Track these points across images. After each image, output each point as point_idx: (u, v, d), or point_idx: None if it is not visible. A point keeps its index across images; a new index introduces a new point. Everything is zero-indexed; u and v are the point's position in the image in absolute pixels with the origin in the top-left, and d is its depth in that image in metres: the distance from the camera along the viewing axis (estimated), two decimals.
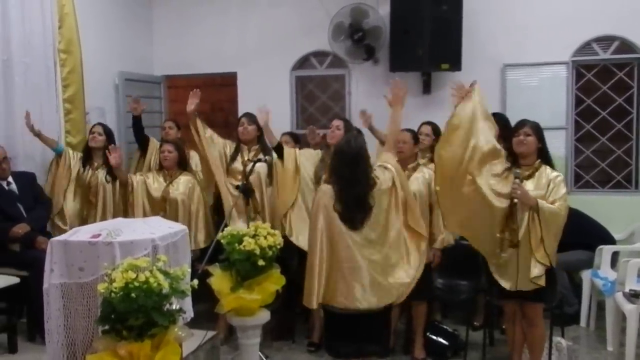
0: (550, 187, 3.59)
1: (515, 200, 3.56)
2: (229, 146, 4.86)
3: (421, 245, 3.57)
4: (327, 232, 3.44)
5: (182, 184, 4.80)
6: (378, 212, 3.42)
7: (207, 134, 4.75)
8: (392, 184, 3.50)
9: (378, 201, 3.42)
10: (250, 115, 4.90)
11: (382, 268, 3.43)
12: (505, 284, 3.65)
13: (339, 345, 3.51)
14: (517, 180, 3.57)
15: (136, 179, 4.81)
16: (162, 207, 4.73)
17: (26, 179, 4.79)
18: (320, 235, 3.45)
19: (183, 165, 4.93)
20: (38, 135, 4.94)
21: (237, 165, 4.78)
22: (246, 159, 4.77)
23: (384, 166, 3.56)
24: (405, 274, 3.48)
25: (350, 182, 3.41)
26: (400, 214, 3.50)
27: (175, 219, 4.44)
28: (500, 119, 5.02)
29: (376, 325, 3.47)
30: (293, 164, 4.73)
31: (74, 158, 5.13)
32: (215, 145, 4.79)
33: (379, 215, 3.42)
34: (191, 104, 4.68)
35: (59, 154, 5.11)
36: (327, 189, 3.50)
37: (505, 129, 4.96)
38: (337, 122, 4.74)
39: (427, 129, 4.84)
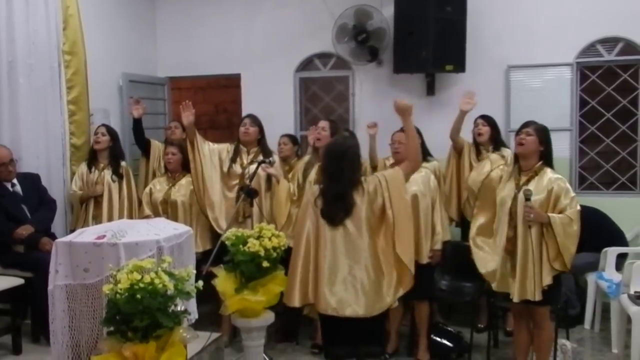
0: (555, 193, 3.54)
1: (530, 224, 3.53)
2: (227, 149, 4.77)
3: (401, 276, 3.30)
4: (314, 232, 3.37)
5: (183, 186, 4.88)
6: (360, 214, 3.30)
7: (205, 150, 4.60)
8: (381, 198, 3.32)
9: (361, 204, 3.30)
10: (253, 116, 4.87)
11: (365, 273, 3.27)
12: (514, 297, 3.61)
13: (337, 349, 3.44)
14: (529, 202, 3.50)
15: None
16: (164, 209, 4.83)
17: (31, 181, 4.79)
18: (307, 233, 3.38)
19: (186, 166, 4.94)
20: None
21: (237, 168, 4.71)
22: (245, 162, 4.72)
23: (377, 176, 3.42)
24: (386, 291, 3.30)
25: (334, 177, 3.33)
26: (382, 234, 3.32)
27: (176, 221, 4.43)
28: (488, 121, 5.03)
29: (372, 326, 3.35)
30: (285, 195, 4.56)
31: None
32: (211, 156, 4.66)
33: (360, 217, 3.30)
34: (187, 117, 4.52)
35: None
36: (315, 188, 3.47)
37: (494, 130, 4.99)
38: (322, 124, 4.58)
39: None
